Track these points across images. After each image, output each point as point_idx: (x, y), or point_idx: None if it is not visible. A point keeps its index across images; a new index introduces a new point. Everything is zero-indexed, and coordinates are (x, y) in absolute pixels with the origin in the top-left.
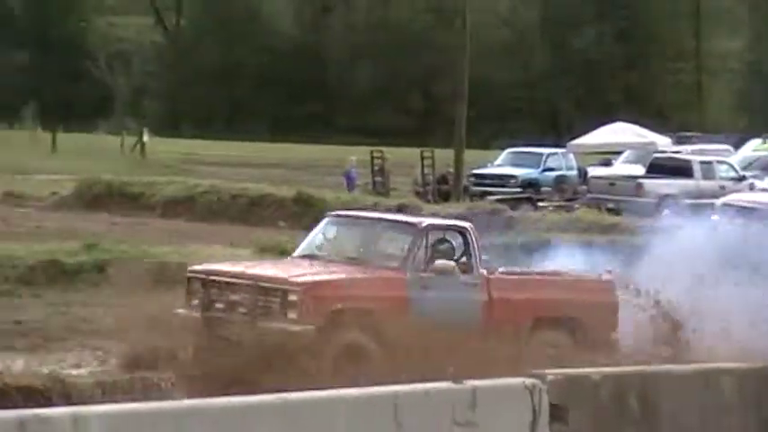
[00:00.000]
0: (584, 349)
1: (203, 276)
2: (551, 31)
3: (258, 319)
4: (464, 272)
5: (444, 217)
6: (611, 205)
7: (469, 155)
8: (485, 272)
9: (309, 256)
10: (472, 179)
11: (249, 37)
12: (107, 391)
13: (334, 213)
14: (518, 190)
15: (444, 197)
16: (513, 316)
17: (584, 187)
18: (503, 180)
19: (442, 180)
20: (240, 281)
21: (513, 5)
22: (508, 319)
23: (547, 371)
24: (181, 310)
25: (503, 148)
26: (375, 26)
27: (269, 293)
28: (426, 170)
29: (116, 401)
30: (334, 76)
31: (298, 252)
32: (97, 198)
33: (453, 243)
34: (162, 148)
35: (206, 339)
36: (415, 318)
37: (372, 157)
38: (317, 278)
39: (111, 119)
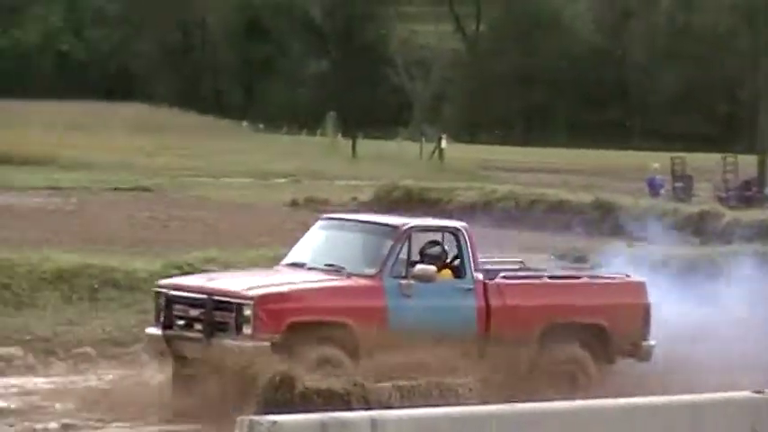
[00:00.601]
0: (608, 360)
1: (165, 291)
2: None
3: (214, 337)
4: (457, 276)
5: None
6: None
7: None
8: (480, 276)
9: (294, 264)
10: None
11: (548, 42)
12: (405, 396)
13: (325, 216)
14: None
15: (747, 203)
16: (516, 325)
17: None
18: None
19: (746, 186)
20: (197, 295)
21: None
22: (511, 329)
23: None
24: (151, 329)
25: None
26: (677, 30)
27: (224, 308)
28: (728, 176)
29: (413, 406)
30: (634, 82)
31: (285, 260)
32: (395, 203)
33: (444, 246)
34: (459, 154)
35: (169, 360)
36: (396, 330)
37: (673, 163)
38: (271, 290)
39: (409, 125)
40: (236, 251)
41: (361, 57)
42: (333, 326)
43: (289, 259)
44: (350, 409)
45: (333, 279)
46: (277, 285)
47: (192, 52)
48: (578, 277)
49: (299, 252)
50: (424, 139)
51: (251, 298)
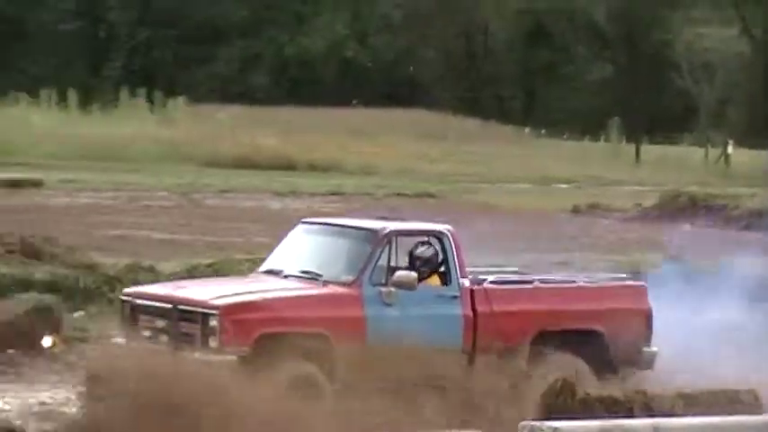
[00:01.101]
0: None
1: (131, 300)
2: None
3: (180, 349)
4: (443, 284)
5: None
6: None
7: None
8: (467, 282)
9: (270, 272)
10: None
11: None
12: (689, 403)
13: (305, 220)
14: None
15: None
16: (506, 333)
17: None
18: None
19: None
20: (162, 305)
21: None
22: (500, 337)
23: None
24: (119, 339)
25: None
26: None
27: (190, 318)
28: None
29: (697, 414)
30: None
31: (261, 267)
32: (680, 210)
33: (435, 250)
34: (745, 159)
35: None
36: (375, 341)
37: None
38: (239, 299)
39: (694, 130)
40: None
41: (646, 61)
42: (307, 338)
43: (265, 266)
44: (631, 416)
45: (308, 287)
46: (246, 294)
47: (474, 59)
48: (573, 281)
49: (276, 259)
50: (709, 144)
51: (217, 307)
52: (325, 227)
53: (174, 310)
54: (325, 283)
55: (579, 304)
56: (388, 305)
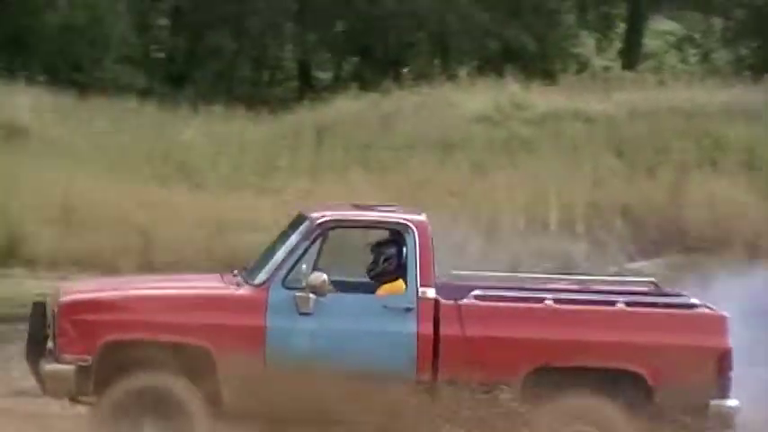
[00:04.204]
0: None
1: (48, 305)
2: None
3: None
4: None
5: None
6: None
7: None
8: (432, 292)
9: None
10: None
11: None
12: None
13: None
14: None
15: None
16: (486, 366)
17: None
18: None
19: None
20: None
21: None
22: (476, 371)
23: None
24: None
25: None
26: None
27: (50, 320)
28: None
29: None
30: None
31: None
32: None
33: (397, 247)
34: None
35: None
36: (279, 359)
37: None
38: (87, 295)
39: None
40: None
41: None
42: (178, 350)
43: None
44: None
45: (200, 287)
46: (103, 290)
47: None
48: (612, 303)
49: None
50: None
51: (58, 305)
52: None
53: (39, 308)
54: (239, 284)
55: (606, 334)
56: (304, 314)
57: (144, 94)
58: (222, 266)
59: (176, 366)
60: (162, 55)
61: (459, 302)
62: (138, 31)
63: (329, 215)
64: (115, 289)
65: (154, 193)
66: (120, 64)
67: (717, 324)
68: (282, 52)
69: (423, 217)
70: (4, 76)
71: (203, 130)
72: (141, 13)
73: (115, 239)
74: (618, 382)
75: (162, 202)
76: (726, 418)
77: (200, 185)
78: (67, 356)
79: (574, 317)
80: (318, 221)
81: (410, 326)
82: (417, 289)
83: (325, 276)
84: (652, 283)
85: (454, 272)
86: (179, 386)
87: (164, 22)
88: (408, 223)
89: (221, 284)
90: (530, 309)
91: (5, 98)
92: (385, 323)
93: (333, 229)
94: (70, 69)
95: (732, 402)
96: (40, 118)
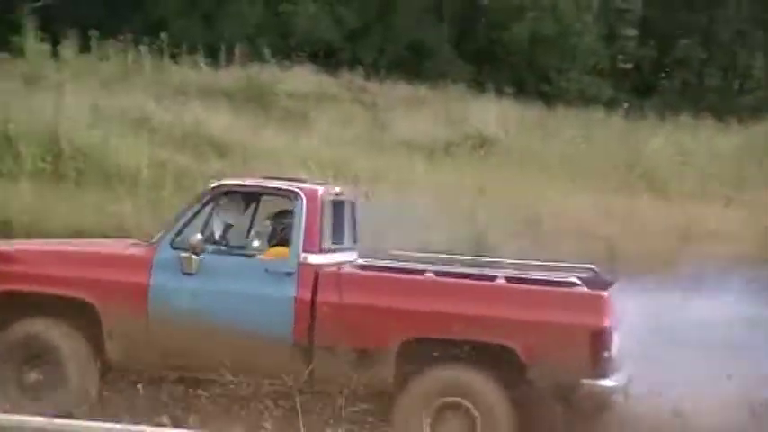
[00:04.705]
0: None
1: None
2: None
3: None
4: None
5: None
6: None
7: None
8: (315, 259)
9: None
10: None
11: None
12: None
13: None
14: None
15: None
16: (361, 333)
17: None
18: None
19: None
20: None
21: None
22: (350, 339)
23: None
24: None
25: None
26: None
27: None
28: None
29: None
30: None
31: None
32: None
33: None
34: None
35: None
36: (161, 317)
37: None
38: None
39: None
40: None
41: None
42: (65, 303)
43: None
44: None
45: (99, 246)
46: (18, 246)
47: None
48: (492, 278)
49: None
50: None
51: None
52: None
53: None
54: (139, 245)
55: (483, 308)
56: (188, 274)
57: (610, 104)
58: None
59: (61, 319)
60: (629, 65)
61: (339, 270)
62: (605, 42)
63: (221, 182)
64: (29, 245)
65: (618, 203)
66: (588, 74)
67: (593, 303)
68: (752, 60)
69: (317, 187)
70: (474, 88)
71: (670, 140)
72: (609, 24)
73: (578, 250)
74: (491, 356)
75: (626, 213)
76: (599, 398)
77: (664, 196)
78: None
79: (449, 289)
80: (211, 187)
81: (289, 290)
82: (299, 254)
83: (200, 236)
84: (591, 269)
85: (394, 251)
86: (56, 335)
87: (631, 32)
88: (297, 191)
89: (122, 245)
90: (406, 280)
91: (475, 109)
92: (264, 286)
93: (225, 194)
94: (537, 80)
95: (608, 383)
96: (507, 129)
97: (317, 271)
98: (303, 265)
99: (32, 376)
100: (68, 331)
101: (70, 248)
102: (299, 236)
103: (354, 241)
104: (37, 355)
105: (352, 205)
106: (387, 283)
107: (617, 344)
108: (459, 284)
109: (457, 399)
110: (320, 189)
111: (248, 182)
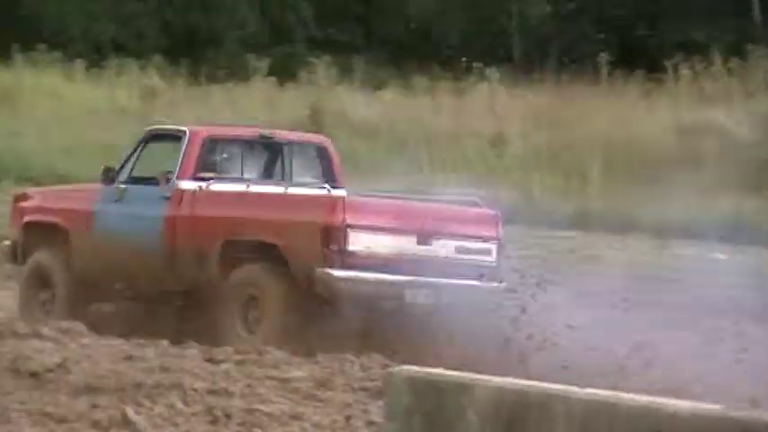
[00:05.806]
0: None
1: None
2: None
3: None
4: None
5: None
6: None
7: None
8: (183, 184)
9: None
10: None
11: None
12: None
13: None
14: None
15: None
16: (196, 239)
17: None
18: None
19: None
20: None
21: None
22: (191, 244)
23: None
24: None
25: None
26: None
27: None
28: None
29: None
30: None
31: None
32: None
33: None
34: None
35: None
36: (100, 236)
37: None
38: (32, 189)
39: None
40: None
41: None
42: (54, 229)
43: None
44: None
45: (81, 186)
46: (45, 190)
47: None
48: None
49: None
50: None
51: (13, 197)
52: None
53: None
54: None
55: (259, 213)
56: (116, 201)
57: None
58: None
59: (53, 242)
60: None
61: (196, 190)
62: None
63: (165, 127)
64: (37, 190)
65: None
66: None
67: (329, 204)
68: None
69: (204, 128)
70: None
71: None
72: None
73: None
74: (269, 253)
75: None
76: (327, 283)
77: None
78: (12, 232)
79: (250, 200)
80: (148, 130)
81: (162, 210)
82: (176, 182)
83: (108, 167)
84: (474, 202)
85: (374, 188)
86: (50, 261)
87: None
88: (185, 130)
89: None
90: (228, 194)
91: None
92: (146, 208)
93: (153, 137)
94: None
95: (335, 272)
96: None
97: (183, 192)
98: (176, 190)
99: (42, 295)
100: (55, 255)
101: (67, 188)
102: (178, 167)
103: (322, 179)
104: (43, 279)
105: (319, 150)
106: (217, 197)
107: (365, 241)
108: (252, 195)
109: (254, 292)
110: (212, 129)
111: (169, 126)
